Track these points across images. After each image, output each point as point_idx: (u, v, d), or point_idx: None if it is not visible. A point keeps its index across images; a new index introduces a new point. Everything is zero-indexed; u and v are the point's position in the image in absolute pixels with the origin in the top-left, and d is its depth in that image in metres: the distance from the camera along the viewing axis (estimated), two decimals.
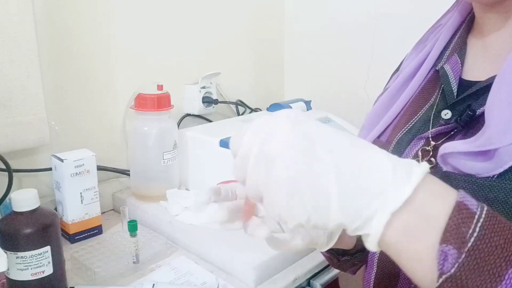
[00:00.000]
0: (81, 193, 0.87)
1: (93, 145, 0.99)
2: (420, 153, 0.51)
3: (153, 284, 0.71)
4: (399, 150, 0.54)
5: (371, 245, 0.33)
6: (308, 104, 1.27)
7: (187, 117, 1.23)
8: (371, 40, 1.25)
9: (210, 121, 1.27)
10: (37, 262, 0.66)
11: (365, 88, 1.28)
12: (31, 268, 0.66)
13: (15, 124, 0.86)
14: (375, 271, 0.56)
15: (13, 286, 0.67)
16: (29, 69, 0.85)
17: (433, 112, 0.53)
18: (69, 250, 0.83)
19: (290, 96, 1.46)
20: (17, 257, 0.65)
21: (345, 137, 0.34)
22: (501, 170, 0.40)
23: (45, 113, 0.89)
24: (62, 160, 0.84)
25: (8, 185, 0.85)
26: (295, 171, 0.33)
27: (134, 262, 0.80)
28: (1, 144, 0.85)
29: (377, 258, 0.56)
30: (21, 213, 0.66)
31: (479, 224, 0.30)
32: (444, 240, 0.30)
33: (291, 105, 1.22)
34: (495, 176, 0.41)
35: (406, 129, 0.55)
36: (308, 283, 0.84)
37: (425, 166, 0.33)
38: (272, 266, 0.79)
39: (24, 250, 0.65)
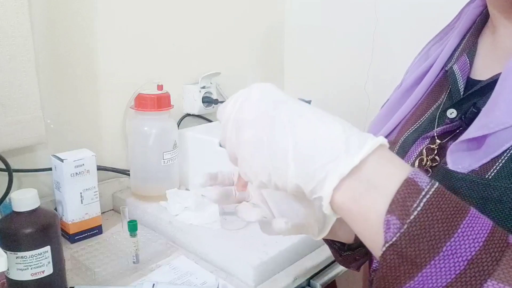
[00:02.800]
0: (81, 193, 0.87)
1: (93, 145, 1.00)
2: (424, 151, 0.52)
3: (153, 284, 0.71)
4: (404, 149, 0.54)
5: (325, 208, 0.35)
6: (308, 104, 1.27)
7: (187, 117, 1.23)
8: (371, 40, 1.25)
9: (210, 121, 1.27)
10: (37, 262, 0.66)
11: (365, 88, 1.28)
12: (31, 268, 0.66)
13: (12, 123, 0.86)
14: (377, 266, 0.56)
15: (13, 286, 0.67)
16: (25, 68, 0.85)
17: (438, 112, 0.53)
18: (69, 250, 0.83)
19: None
20: (17, 257, 0.65)
21: (308, 109, 0.38)
22: (488, 159, 0.41)
23: (41, 112, 0.89)
24: (62, 160, 0.84)
25: (8, 185, 0.85)
26: (258, 135, 0.37)
27: (134, 262, 0.80)
28: (0, 144, 0.85)
29: None
30: (21, 213, 0.66)
31: (424, 200, 0.32)
32: (390, 211, 0.32)
33: None
34: (490, 176, 0.41)
35: (413, 129, 0.55)
36: (308, 283, 0.84)
37: (378, 139, 0.35)
38: (272, 266, 0.79)
39: (24, 250, 0.65)
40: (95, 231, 0.91)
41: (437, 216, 0.31)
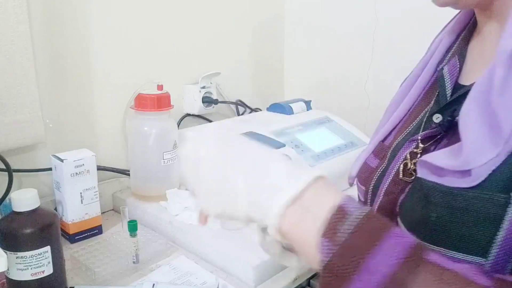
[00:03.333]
0: (81, 193, 0.87)
1: (93, 145, 1.00)
2: (408, 156, 0.52)
3: (153, 284, 0.71)
4: (394, 153, 0.54)
5: (272, 233, 0.41)
6: (308, 104, 1.27)
7: (187, 117, 1.23)
8: (371, 40, 1.25)
9: (210, 121, 1.27)
10: (37, 262, 0.66)
11: (365, 88, 1.29)
12: (31, 268, 0.66)
13: (11, 123, 0.86)
14: None
15: (13, 286, 0.67)
16: (24, 67, 0.85)
17: (426, 116, 0.53)
18: (69, 250, 0.83)
19: (290, 96, 1.46)
20: (17, 257, 0.65)
21: (254, 148, 0.44)
22: (474, 184, 0.42)
23: (40, 111, 0.89)
24: (62, 160, 0.84)
25: (8, 185, 0.85)
26: (212, 173, 0.44)
27: (134, 262, 0.80)
28: (0, 143, 0.85)
29: None
30: (21, 213, 0.66)
31: (352, 224, 0.37)
32: (323, 234, 0.37)
33: (291, 105, 1.22)
34: (469, 187, 0.42)
35: (405, 133, 0.55)
36: (308, 283, 0.84)
37: (314, 173, 0.40)
38: (272, 266, 0.79)
39: (24, 250, 0.65)
40: (95, 231, 0.91)
41: (363, 237, 0.36)
